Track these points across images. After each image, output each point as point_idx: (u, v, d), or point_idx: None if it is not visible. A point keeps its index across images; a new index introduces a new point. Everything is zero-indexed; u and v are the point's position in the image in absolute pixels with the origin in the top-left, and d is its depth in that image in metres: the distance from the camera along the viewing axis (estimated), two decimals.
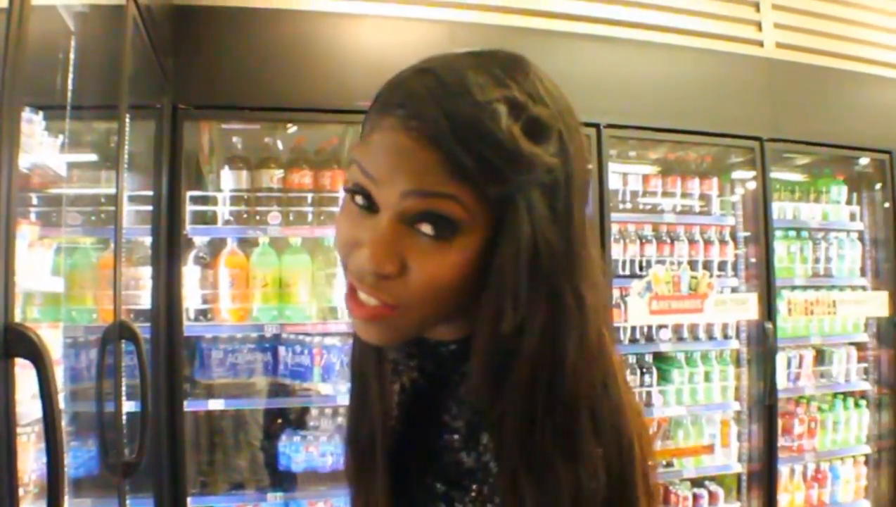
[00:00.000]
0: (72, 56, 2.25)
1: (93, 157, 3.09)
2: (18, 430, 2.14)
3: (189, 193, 3.69)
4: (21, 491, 2.21)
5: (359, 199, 0.93)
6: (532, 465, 0.87)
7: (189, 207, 3.67)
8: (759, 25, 4.69)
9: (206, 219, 3.79)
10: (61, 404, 2.38)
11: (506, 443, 0.89)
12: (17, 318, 2.49)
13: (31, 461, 2.29)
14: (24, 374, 1.53)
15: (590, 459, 0.89)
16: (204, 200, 3.82)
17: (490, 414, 0.91)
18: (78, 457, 2.74)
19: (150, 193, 3.43)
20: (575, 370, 0.90)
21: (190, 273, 3.75)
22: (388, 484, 1.07)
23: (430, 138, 0.85)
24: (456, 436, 0.96)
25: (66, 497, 2.42)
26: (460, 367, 0.99)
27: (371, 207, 0.92)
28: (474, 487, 0.91)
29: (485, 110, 0.85)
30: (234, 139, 4.03)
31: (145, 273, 3.53)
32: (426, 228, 0.88)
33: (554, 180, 0.88)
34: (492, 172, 0.85)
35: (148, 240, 3.51)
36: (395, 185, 0.88)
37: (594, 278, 0.94)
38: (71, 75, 2.25)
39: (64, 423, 2.50)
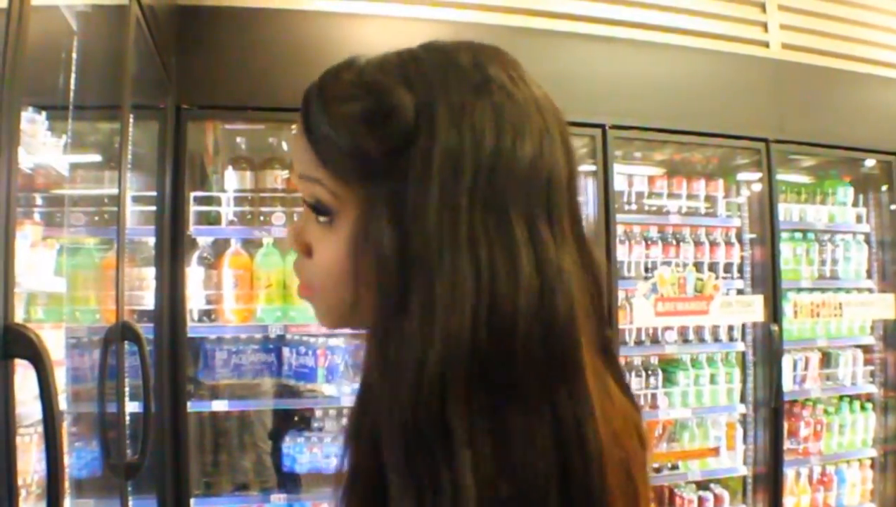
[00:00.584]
0: (74, 56, 2.25)
1: (96, 157, 3.08)
2: (21, 430, 2.15)
3: (193, 194, 3.69)
4: (24, 492, 2.21)
5: None
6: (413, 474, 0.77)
7: (193, 208, 3.67)
8: (764, 26, 4.68)
9: (210, 219, 3.78)
10: (63, 405, 2.38)
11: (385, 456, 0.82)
12: (20, 318, 2.49)
13: (33, 462, 2.28)
14: (27, 375, 1.52)
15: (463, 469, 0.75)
16: (208, 201, 3.82)
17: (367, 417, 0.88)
18: (81, 458, 2.74)
19: (154, 193, 3.43)
20: (393, 387, 0.79)
21: (194, 274, 3.75)
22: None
23: (303, 127, 0.89)
24: None
25: (69, 498, 2.42)
26: None
27: None
28: None
29: (323, 98, 0.87)
30: (238, 139, 4.02)
31: (149, 274, 3.53)
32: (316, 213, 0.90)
33: (401, 173, 0.81)
34: (331, 161, 0.86)
35: (152, 240, 3.51)
36: (294, 170, 0.93)
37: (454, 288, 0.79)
38: (73, 75, 2.25)
39: (67, 424, 2.50)
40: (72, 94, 2.27)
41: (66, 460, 2.48)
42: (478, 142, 0.81)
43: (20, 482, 2.20)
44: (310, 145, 0.87)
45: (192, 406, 3.61)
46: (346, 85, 0.86)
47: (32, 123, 2.28)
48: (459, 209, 0.80)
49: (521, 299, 0.79)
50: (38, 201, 2.81)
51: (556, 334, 0.81)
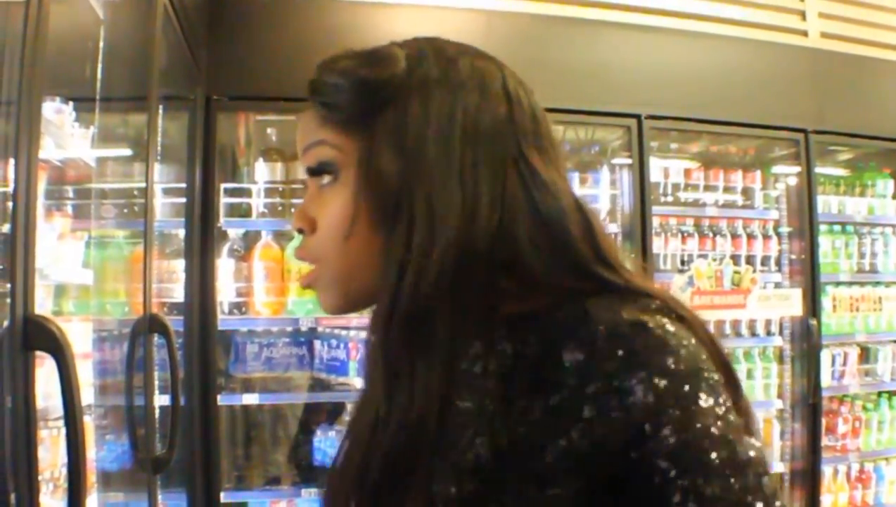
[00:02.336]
0: (101, 45, 2.23)
1: (125, 149, 3.07)
2: (51, 423, 2.14)
3: (223, 186, 3.67)
4: (52, 485, 2.20)
5: None
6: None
7: (223, 200, 3.65)
8: (803, 15, 4.60)
9: (240, 211, 3.76)
10: (92, 398, 2.38)
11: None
12: (50, 309, 2.49)
13: (62, 455, 2.27)
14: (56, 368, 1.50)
15: None
16: (239, 193, 3.80)
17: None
18: (112, 451, 2.73)
19: (184, 185, 3.42)
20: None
21: (224, 266, 3.73)
22: None
23: (310, 102, 1.00)
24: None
25: (97, 491, 2.41)
26: None
27: None
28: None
29: (326, 62, 1.00)
30: (269, 130, 4.00)
31: (179, 266, 3.52)
32: (320, 178, 0.98)
33: (402, 111, 0.93)
34: (334, 111, 0.96)
35: (182, 233, 3.50)
36: (299, 154, 1.02)
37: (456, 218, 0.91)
38: (101, 65, 2.23)
39: (97, 417, 2.49)
40: (99, 84, 2.25)
41: (96, 453, 2.48)
42: (465, 87, 0.95)
43: (49, 475, 2.20)
44: (314, 104, 0.98)
45: (222, 400, 3.60)
46: (346, 51, 1.00)
47: (59, 114, 2.27)
48: (452, 145, 0.93)
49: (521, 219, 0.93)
50: (65, 193, 2.80)
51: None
